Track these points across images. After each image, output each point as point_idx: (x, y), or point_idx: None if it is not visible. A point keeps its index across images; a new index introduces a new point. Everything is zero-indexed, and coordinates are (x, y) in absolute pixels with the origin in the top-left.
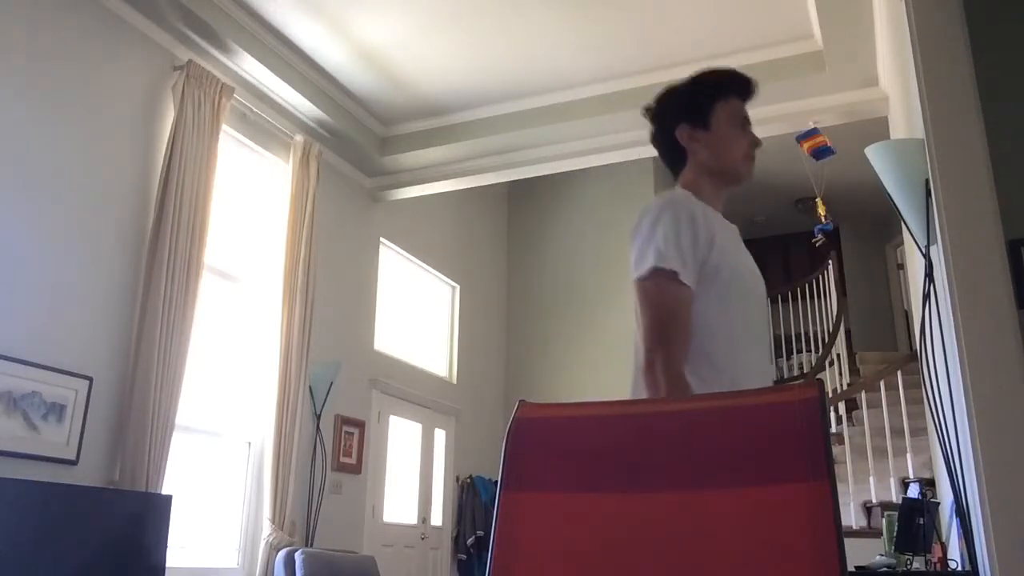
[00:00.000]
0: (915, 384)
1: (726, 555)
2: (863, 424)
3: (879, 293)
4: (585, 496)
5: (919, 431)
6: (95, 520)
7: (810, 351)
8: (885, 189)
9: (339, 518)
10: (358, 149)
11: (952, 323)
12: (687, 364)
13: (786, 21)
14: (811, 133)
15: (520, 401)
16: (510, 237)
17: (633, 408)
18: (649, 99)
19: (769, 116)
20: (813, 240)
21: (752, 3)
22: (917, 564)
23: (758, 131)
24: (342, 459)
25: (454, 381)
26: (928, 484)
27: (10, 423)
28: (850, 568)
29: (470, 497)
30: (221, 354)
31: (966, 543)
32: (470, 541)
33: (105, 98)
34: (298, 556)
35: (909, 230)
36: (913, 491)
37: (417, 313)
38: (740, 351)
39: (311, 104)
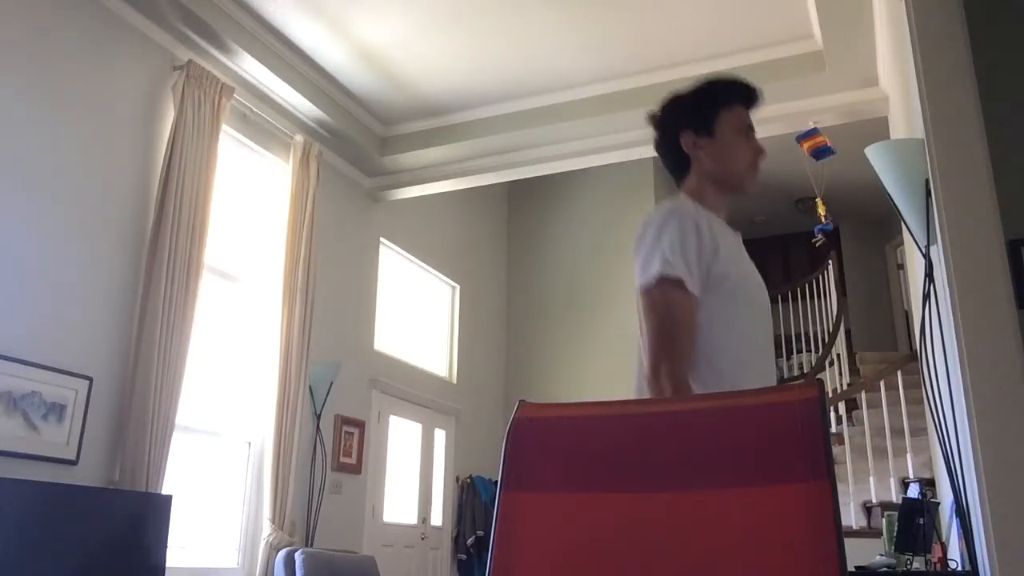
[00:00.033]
0: (915, 384)
1: (726, 555)
2: (863, 424)
3: (879, 293)
4: (585, 496)
5: (919, 431)
6: (95, 520)
7: (810, 351)
8: (885, 189)
9: (339, 518)
10: (358, 149)
11: (952, 323)
12: (691, 371)
13: (786, 21)
14: (811, 133)
15: (520, 401)
16: (510, 237)
17: (633, 408)
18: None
19: (769, 116)
20: (813, 240)
21: (752, 3)
22: (917, 564)
23: (758, 131)
24: (342, 459)
25: (454, 381)
26: (928, 484)
27: (10, 423)
28: (850, 568)
29: (470, 497)
30: (221, 354)
31: (966, 543)
32: (470, 541)
33: (105, 98)
34: (298, 556)
35: (909, 230)
36: (913, 491)
37: (417, 313)
38: (744, 359)
39: (311, 104)
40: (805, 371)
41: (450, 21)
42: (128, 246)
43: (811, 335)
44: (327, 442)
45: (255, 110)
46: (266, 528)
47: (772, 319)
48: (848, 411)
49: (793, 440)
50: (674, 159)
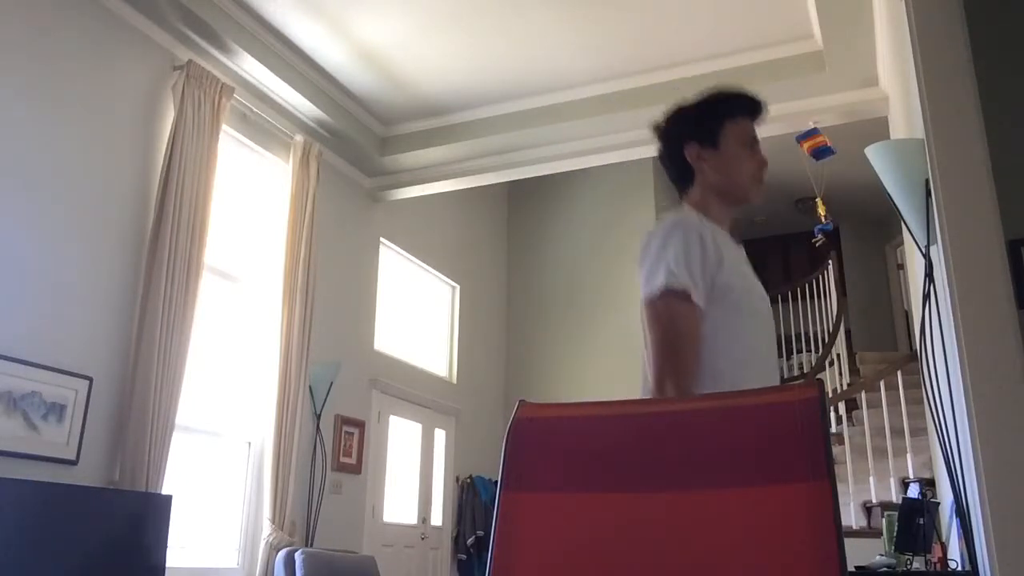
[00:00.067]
0: (915, 384)
1: (726, 555)
2: (863, 424)
3: (879, 293)
4: (585, 496)
5: (919, 431)
6: (95, 520)
7: (810, 351)
8: (885, 189)
9: (339, 518)
10: (358, 149)
11: (952, 323)
12: (696, 383)
13: (786, 21)
14: (811, 133)
15: (520, 401)
16: (510, 237)
17: (633, 408)
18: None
19: (769, 116)
20: (813, 240)
21: (752, 3)
22: (917, 564)
23: (758, 131)
24: (342, 459)
25: (454, 381)
26: (928, 484)
27: (10, 423)
28: (850, 568)
29: (470, 497)
30: (221, 354)
31: (966, 543)
32: (470, 541)
33: (105, 98)
34: (298, 556)
35: (909, 230)
36: (913, 491)
37: (417, 313)
38: (749, 370)
39: (311, 104)
40: (805, 371)
41: (450, 21)
42: (128, 246)
43: (811, 335)
44: (327, 442)
45: (255, 110)
46: (266, 528)
47: (775, 328)
48: (848, 411)
49: (793, 440)
50: (678, 170)
